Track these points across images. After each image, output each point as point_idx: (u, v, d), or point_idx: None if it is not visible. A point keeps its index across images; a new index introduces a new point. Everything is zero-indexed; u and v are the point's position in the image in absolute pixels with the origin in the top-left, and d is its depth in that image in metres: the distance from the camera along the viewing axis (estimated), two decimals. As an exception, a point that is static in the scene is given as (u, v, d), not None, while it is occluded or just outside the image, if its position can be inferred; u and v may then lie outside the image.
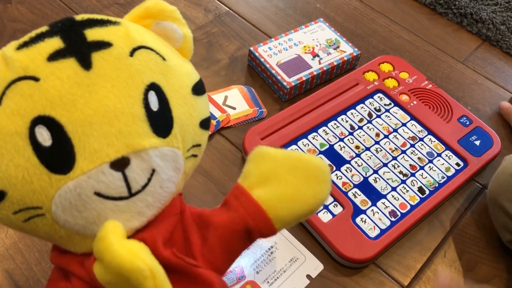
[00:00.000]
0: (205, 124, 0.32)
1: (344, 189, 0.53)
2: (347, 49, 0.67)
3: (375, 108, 0.62)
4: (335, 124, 0.59)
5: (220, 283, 0.31)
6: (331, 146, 0.57)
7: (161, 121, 0.28)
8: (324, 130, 0.58)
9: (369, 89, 0.63)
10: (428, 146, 0.58)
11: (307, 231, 0.51)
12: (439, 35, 0.77)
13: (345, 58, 0.66)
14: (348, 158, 0.56)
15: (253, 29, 0.72)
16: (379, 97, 0.63)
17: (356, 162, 0.56)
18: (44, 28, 0.27)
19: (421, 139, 0.59)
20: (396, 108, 0.62)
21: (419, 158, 0.57)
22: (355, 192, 0.53)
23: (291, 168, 0.32)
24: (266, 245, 0.50)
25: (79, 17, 0.27)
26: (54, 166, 0.25)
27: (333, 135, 0.58)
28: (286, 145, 0.56)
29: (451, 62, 0.73)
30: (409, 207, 0.53)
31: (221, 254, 0.32)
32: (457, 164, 0.57)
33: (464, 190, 0.58)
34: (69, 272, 0.30)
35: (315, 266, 0.49)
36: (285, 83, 0.62)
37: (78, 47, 0.26)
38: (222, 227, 0.31)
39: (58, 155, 0.25)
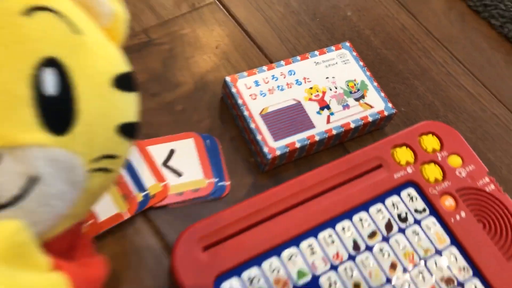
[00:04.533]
0: (127, 130, 0.24)
1: None
2: (376, 103, 0.43)
3: (399, 215, 0.39)
4: (330, 236, 0.37)
5: None
6: (315, 279, 0.35)
7: (57, 112, 0.21)
8: (309, 245, 0.36)
9: (396, 178, 0.40)
10: (471, 301, 0.36)
11: None
12: (518, 89, 0.52)
13: (370, 119, 0.42)
14: (337, 308, 0.34)
15: (244, 38, 0.48)
16: (409, 195, 0.40)
17: (348, 320, 0.34)
18: None
19: (460, 284, 0.37)
20: (431, 219, 0.39)
21: (452, 323, 0.35)
22: None
23: None
24: None
25: None
26: None
27: (322, 257, 0.36)
28: (242, 267, 0.34)
29: (528, 138, 0.49)
30: None
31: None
32: None
33: None
34: None
35: None
36: (266, 150, 0.39)
37: None
38: None
39: None
